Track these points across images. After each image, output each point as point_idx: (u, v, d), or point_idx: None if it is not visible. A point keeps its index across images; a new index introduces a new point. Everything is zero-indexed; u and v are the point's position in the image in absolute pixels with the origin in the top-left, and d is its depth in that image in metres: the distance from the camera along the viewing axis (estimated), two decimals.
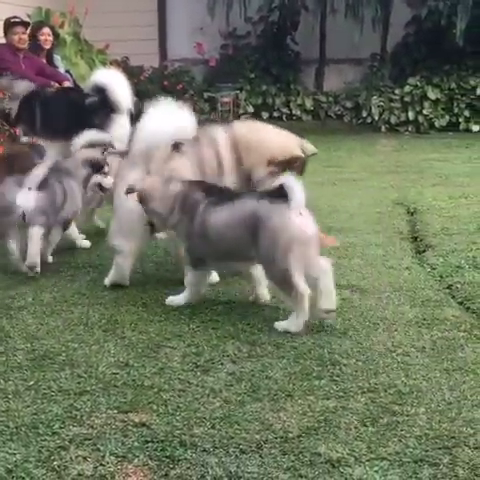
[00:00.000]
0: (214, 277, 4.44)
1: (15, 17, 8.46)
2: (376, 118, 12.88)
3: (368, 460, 2.59)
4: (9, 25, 8.39)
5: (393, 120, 12.84)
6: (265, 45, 13.50)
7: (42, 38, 9.03)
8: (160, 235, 4.58)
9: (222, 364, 3.36)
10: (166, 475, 2.52)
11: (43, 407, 2.96)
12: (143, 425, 2.82)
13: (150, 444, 2.69)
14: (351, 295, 4.34)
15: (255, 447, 2.67)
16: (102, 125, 6.54)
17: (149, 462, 2.59)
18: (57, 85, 8.37)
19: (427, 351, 3.52)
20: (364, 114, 13.00)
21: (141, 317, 3.97)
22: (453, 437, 2.72)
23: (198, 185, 4.15)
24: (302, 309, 3.72)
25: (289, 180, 3.78)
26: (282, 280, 3.75)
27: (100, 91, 6.89)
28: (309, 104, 13.39)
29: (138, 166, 4.47)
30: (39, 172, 4.74)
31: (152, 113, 4.56)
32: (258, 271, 4.04)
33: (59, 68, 9.52)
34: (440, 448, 2.66)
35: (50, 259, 4.96)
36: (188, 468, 2.56)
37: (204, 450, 2.65)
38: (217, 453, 2.64)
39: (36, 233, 4.61)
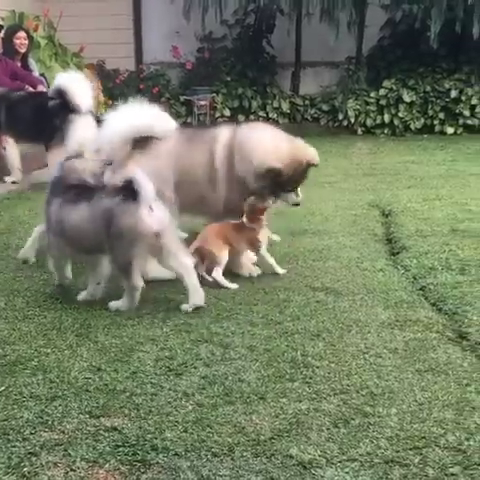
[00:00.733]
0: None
1: None
2: (352, 121, 12.94)
3: (340, 461, 2.60)
4: None
5: (369, 123, 12.91)
6: (241, 48, 13.49)
7: (17, 42, 9.00)
8: None
9: (195, 367, 3.36)
10: (138, 479, 2.52)
11: (14, 413, 2.94)
12: (115, 429, 2.81)
13: (121, 448, 2.69)
14: (325, 297, 4.35)
15: (227, 450, 2.67)
16: (63, 126, 7.04)
17: (120, 467, 2.58)
18: (31, 89, 8.38)
19: (399, 352, 3.54)
20: (340, 117, 13.04)
21: (114, 321, 3.96)
22: (424, 437, 2.74)
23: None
24: (132, 297, 4.08)
25: (137, 174, 3.94)
26: (124, 270, 4.06)
27: (61, 94, 7.29)
28: (285, 107, 13.41)
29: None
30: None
31: (115, 112, 4.75)
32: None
33: (34, 72, 9.49)
34: (411, 448, 2.68)
35: None
36: (159, 472, 2.55)
37: (176, 454, 2.65)
38: (189, 457, 2.63)
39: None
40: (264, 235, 4.73)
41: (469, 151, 10.77)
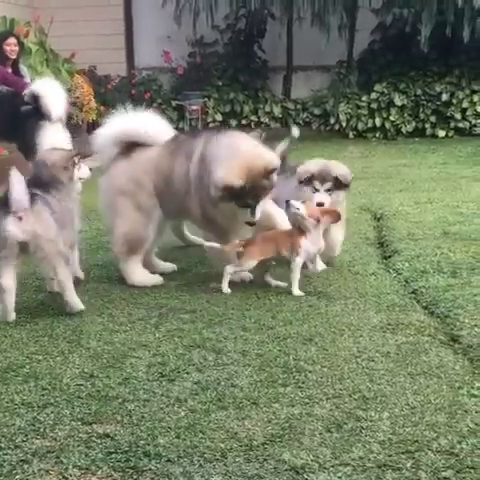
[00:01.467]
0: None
1: None
2: (344, 125, 12.98)
3: (332, 466, 2.60)
4: None
5: (360, 127, 12.95)
6: (232, 53, 13.52)
7: (8, 48, 8.98)
8: None
9: (188, 373, 3.36)
10: None
11: (5, 421, 2.93)
12: (107, 436, 2.80)
13: (114, 455, 2.68)
14: (317, 301, 4.35)
15: (220, 456, 2.67)
16: (33, 131, 7.32)
17: (113, 473, 2.58)
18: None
19: (392, 356, 3.54)
20: (332, 121, 13.09)
21: (106, 327, 3.95)
22: (416, 441, 2.74)
23: None
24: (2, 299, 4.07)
25: (14, 183, 3.97)
26: None
27: (36, 100, 7.53)
28: (277, 111, 13.44)
29: None
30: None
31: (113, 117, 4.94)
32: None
33: (25, 78, 9.47)
34: (403, 452, 2.68)
35: None
36: (152, 478, 2.55)
37: (168, 460, 2.65)
38: (181, 462, 2.63)
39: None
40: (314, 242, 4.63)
41: (460, 154, 10.81)
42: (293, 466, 2.59)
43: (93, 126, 11.28)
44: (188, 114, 12.95)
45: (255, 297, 4.44)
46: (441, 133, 12.77)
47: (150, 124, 4.91)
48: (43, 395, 3.15)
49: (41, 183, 4.26)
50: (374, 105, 12.91)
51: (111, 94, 13.00)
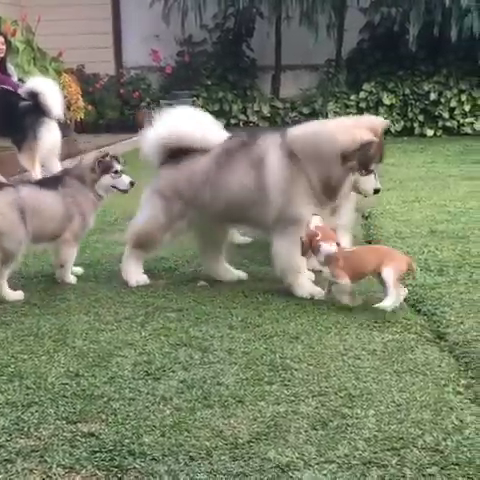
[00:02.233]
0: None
1: None
2: None
3: (317, 463, 2.59)
4: None
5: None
6: (221, 52, 13.53)
7: None
8: None
9: (173, 371, 3.35)
10: None
11: None
12: (92, 435, 2.79)
13: (98, 454, 2.66)
14: (304, 300, 4.35)
15: (205, 454, 2.66)
16: (32, 127, 7.51)
17: (97, 472, 2.56)
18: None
19: (378, 353, 3.54)
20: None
21: (92, 326, 3.94)
22: (401, 438, 2.74)
23: None
24: None
25: None
26: None
27: (34, 96, 7.69)
28: (266, 110, 13.45)
29: None
30: None
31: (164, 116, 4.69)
32: None
33: (12, 77, 9.42)
34: (388, 450, 2.67)
35: None
36: (136, 477, 2.53)
37: (153, 458, 2.63)
38: (166, 461, 2.62)
39: None
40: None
41: (448, 153, 10.84)
42: (278, 464, 2.59)
43: (81, 125, 11.29)
44: None
45: (242, 295, 4.43)
46: (429, 132, 12.82)
47: (205, 127, 4.66)
48: (28, 394, 3.13)
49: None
50: (363, 104, 12.95)
51: (99, 93, 12.98)
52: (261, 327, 3.89)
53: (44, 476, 2.53)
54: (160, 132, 4.64)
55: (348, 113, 12.82)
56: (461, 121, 12.79)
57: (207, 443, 2.73)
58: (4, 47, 9.06)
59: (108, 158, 4.76)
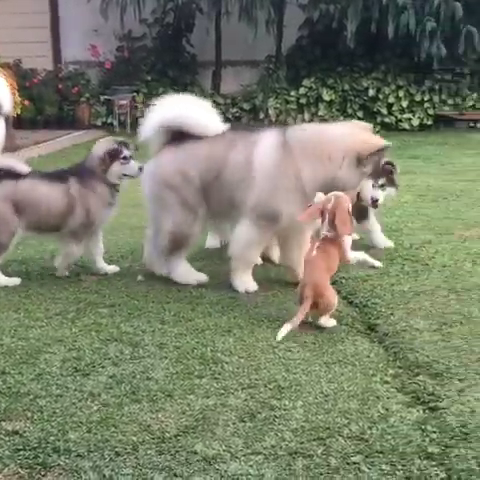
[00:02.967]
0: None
1: None
2: (273, 120, 13.02)
3: (244, 455, 2.60)
4: None
5: (290, 121, 13.00)
6: (161, 47, 13.43)
7: None
8: None
9: (103, 367, 3.31)
10: None
11: None
12: (16, 433, 2.74)
13: (22, 452, 2.62)
14: (238, 293, 4.35)
15: (131, 449, 2.64)
16: None
17: (20, 470, 2.52)
18: None
19: (309, 345, 3.57)
20: (261, 116, 13.12)
21: (22, 323, 3.87)
22: (328, 428, 2.77)
23: None
24: None
25: None
26: None
27: None
28: None
29: None
30: None
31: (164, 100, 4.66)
32: None
33: None
34: (315, 439, 2.70)
35: None
36: (60, 474, 2.50)
37: (78, 455, 2.60)
38: (92, 457, 2.59)
39: None
40: None
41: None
42: (205, 457, 2.58)
43: (17, 121, 11.08)
44: (117, 109, 12.80)
45: (176, 290, 4.41)
46: None
47: (208, 114, 4.63)
48: None
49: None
50: (303, 100, 13.01)
51: (37, 88, 12.77)
52: (193, 321, 3.88)
53: None
54: (165, 115, 4.58)
55: (288, 109, 12.93)
56: (399, 117, 12.96)
57: (134, 438, 2.71)
58: None
59: (116, 145, 4.67)
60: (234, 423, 2.82)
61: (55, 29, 13.75)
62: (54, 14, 13.69)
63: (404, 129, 12.77)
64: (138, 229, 5.52)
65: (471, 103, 13.18)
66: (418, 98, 13.05)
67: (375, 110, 12.95)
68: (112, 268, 4.78)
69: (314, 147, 4.30)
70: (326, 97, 12.97)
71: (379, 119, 12.88)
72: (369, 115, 12.95)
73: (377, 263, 4.50)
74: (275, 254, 4.88)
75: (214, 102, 13.23)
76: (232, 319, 3.92)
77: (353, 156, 4.22)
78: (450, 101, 13.13)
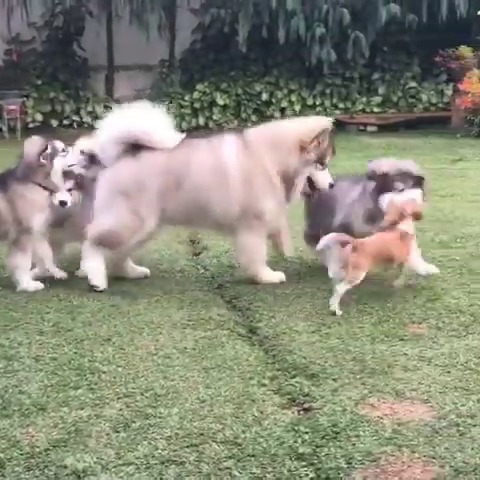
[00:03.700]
0: None
1: None
2: None
3: (115, 467, 2.56)
4: None
5: (184, 126, 13.00)
6: (51, 51, 13.18)
7: None
8: None
9: None
10: None
11: None
12: None
13: None
14: (121, 301, 4.30)
15: None
16: None
17: None
18: None
19: (188, 351, 3.55)
20: None
21: None
22: (202, 434, 2.76)
23: None
24: None
25: None
26: None
27: None
28: (100, 111, 13.18)
29: None
30: None
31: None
32: None
33: None
34: (188, 446, 2.68)
35: None
36: None
37: None
38: None
39: None
40: None
41: None
42: (74, 470, 2.53)
43: None
44: (6, 114, 12.47)
45: (56, 299, 4.32)
46: None
47: (158, 127, 4.60)
48: None
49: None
50: (197, 104, 13.06)
51: None
52: (73, 331, 3.81)
53: None
54: (118, 128, 4.54)
55: (183, 113, 12.92)
56: None
57: (1, 455, 2.62)
58: None
59: (46, 142, 4.49)
60: (107, 434, 2.77)
61: None
62: None
63: None
64: None
65: (361, 107, 13.54)
66: (310, 102, 13.33)
67: (269, 114, 13.12)
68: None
69: (271, 141, 4.58)
70: (220, 101, 13.06)
71: None
72: (263, 119, 13.09)
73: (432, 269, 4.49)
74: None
75: (107, 107, 13.25)
76: (112, 328, 3.87)
77: (297, 143, 4.50)
78: (341, 105, 13.45)
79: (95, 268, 4.51)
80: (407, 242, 4.24)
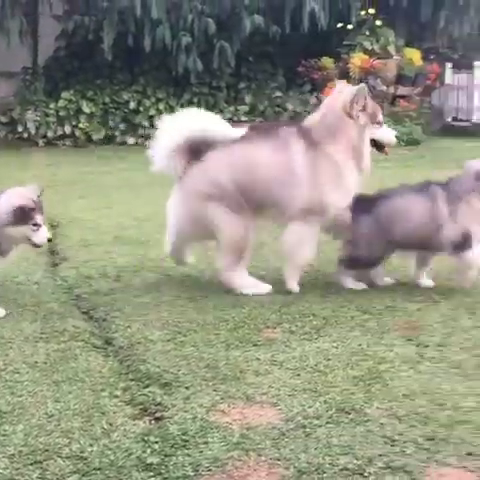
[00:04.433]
0: None
1: None
2: (33, 132, 12.69)
3: None
4: None
5: (50, 134, 12.76)
6: None
7: None
8: None
9: None
10: None
11: None
12: None
13: None
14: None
15: None
16: None
17: None
18: None
19: (39, 365, 3.45)
20: (20, 129, 12.73)
21: None
22: (47, 450, 2.68)
23: None
24: None
25: None
26: None
27: None
28: None
29: None
30: None
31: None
32: None
33: None
34: (32, 463, 2.60)
35: None
36: None
37: None
38: None
39: None
40: None
41: (147, 161, 11.04)
42: None
43: None
44: None
45: None
46: (131, 140, 13.02)
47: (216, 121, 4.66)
48: None
49: None
50: (63, 113, 12.81)
51: None
52: None
53: None
54: (180, 129, 4.57)
55: (48, 122, 12.64)
56: None
57: None
58: None
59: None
60: None
61: None
62: None
63: None
64: None
65: (229, 116, 13.69)
66: (178, 111, 13.32)
67: (137, 122, 13.05)
68: None
69: (325, 125, 4.54)
70: (86, 109, 12.87)
71: (141, 131, 12.99)
72: (131, 127, 13.05)
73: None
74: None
75: None
76: None
77: (343, 115, 4.50)
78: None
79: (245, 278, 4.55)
80: None
